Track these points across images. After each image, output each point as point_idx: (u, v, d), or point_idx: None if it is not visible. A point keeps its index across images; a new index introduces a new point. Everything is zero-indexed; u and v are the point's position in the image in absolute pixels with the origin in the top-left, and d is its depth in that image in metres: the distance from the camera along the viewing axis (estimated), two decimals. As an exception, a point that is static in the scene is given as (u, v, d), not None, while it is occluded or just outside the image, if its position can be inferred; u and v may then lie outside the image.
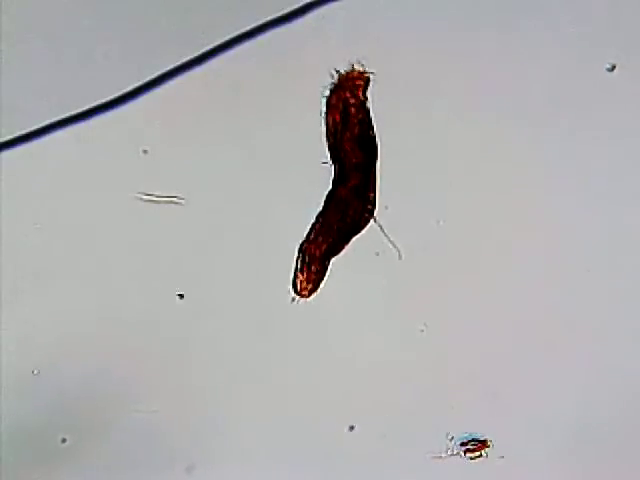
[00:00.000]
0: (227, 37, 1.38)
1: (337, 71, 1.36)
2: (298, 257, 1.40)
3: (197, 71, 1.38)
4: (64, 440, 1.45)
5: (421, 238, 1.43)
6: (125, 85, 1.38)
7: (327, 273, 1.41)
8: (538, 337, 1.45)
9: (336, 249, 1.41)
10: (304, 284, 1.40)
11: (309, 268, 1.40)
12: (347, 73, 1.36)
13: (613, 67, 1.40)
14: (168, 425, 1.46)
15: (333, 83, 1.36)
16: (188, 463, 1.47)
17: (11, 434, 1.43)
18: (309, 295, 1.41)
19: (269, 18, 1.38)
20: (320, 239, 1.40)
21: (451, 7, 1.40)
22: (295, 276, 1.40)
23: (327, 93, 1.37)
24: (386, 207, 1.39)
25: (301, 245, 1.40)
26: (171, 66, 1.38)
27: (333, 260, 1.41)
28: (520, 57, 1.41)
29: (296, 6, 1.38)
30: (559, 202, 1.44)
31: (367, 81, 1.36)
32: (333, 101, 1.37)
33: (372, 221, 1.40)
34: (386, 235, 1.37)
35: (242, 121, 1.40)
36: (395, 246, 1.37)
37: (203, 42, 1.38)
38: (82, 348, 1.43)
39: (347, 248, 1.42)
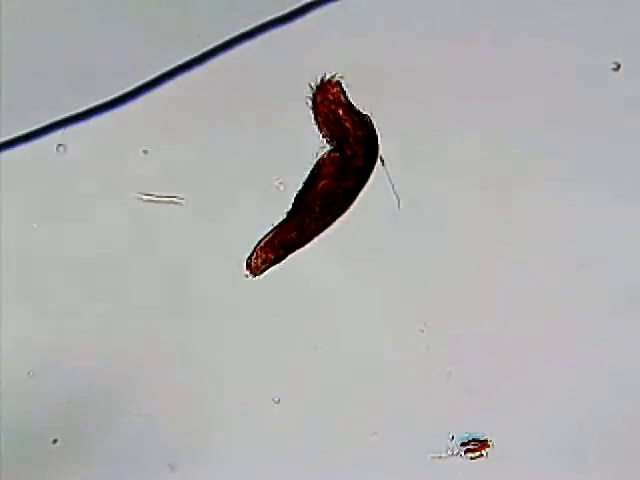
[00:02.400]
0: (227, 37, 1.38)
1: (310, 92, 1.36)
2: (265, 236, 1.40)
3: (197, 71, 1.38)
4: (55, 441, 1.45)
5: (421, 238, 1.43)
6: (125, 85, 1.38)
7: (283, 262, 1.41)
8: (538, 337, 1.45)
9: (299, 243, 1.41)
10: (259, 263, 1.40)
11: (272, 251, 1.40)
12: (319, 87, 1.36)
13: (618, 66, 1.40)
14: (162, 428, 1.46)
15: (312, 101, 1.36)
16: (172, 461, 1.47)
17: (8, 434, 1.43)
18: (257, 275, 1.41)
19: (269, 18, 1.38)
20: (293, 227, 1.40)
21: (451, 7, 1.40)
22: (255, 252, 1.40)
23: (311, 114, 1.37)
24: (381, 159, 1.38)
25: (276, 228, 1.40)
26: (171, 66, 1.38)
27: (334, 260, 1.41)
28: (523, 57, 1.41)
29: (296, 6, 1.38)
30: (561, 201, 1.44)
31: (340, 85, 1.36)
32: (321, 117, 1.37)
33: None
34: (391, 182, 1.36)
35: (242, 121, 1.40)
36: (397, 196, 1.37)
37: (203, 42, 1.38)
38: (79, 349, 1.43)
39: (347, 248, 1.42)
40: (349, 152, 1.37)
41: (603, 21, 1.41)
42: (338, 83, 1.35)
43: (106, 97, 1.38)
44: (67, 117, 1.38)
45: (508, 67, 1.41)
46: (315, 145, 1.38)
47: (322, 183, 1.39)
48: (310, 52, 1.38)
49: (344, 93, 1.36)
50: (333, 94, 1.35)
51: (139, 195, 1.41)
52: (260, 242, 1.40)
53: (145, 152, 1.41)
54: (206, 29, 1.38)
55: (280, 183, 1.41)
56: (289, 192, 1.41)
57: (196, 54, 1.38)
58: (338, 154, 1.37)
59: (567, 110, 1.42)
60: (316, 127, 1.37)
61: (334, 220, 1.40)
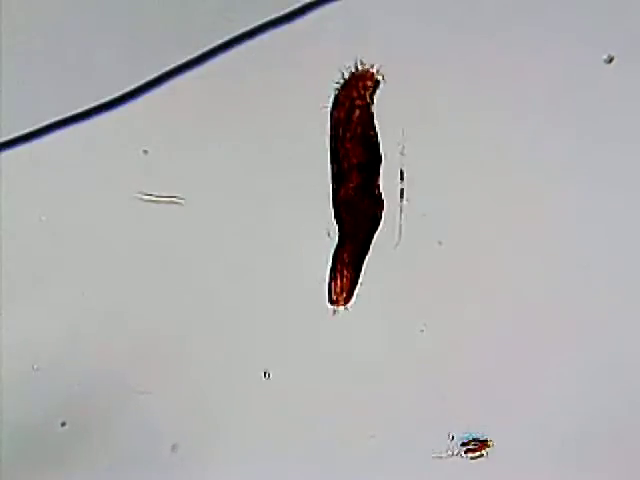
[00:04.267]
0: (227, 37, 1.38)
1: (350, 68, 1.36)
2: (332, 266, 1.41)
3: (197, 71, 1.38)
4: (63, 424, 1.45)
5: (421, 238, 1.43)
6: (125, 85, 1.38)
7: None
8: (538, 337, 1.45)
9: (363, 250, 1.40)
10: (338, 292, 1.40)
11: (342, 275, 1.40)
12: (359, 72, 1.36)
13: (611, 59, 1.39)
14: (162, 426, 1.46)
15: (343, 79, 1.36)
16: (172, 460, 1.48)
17: (11, 429, 1.43)
18: (345, 303, 1.41)
19: (269, 18, 1.38)
20: (347, 243, 1.40)
21: (451, 6, 1.40)
22: (329, 285, 1.40)
23: (335, 89, 1.37)
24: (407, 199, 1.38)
25: (334, 253, 1.41)
26: (171, 66, 1.38)
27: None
28: (520, 54, 1.41)
29: (296, 6, 1.38)
30: (558, 199, 1.44)
31: (377, 84, 1.36)
32: (340, 98, 1.37)
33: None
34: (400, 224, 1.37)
35: (242, 121, 1.40)
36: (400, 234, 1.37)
37: (203, 42, 1.38)
38: (81, 345, 1.43)
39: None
40: (342, 150, 1.37)
41: (596, 13, 1.40)
42: (377, 82, 1.35)
43: (106, 97, 1.38)
44: (67, 117, 1.38)
45: (509, 66, 1.41)
46: (315, 145, 1.38)
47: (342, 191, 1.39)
48: (310, 52, 1.38)
49: (374, 92, 1.36)
50: (366, 85, 1.35)
51: (139, 195, 1.41)
52: (330, 273, 1.40)
53: (145, 152, 1.41)
54: (206, 29, 1.38)
55: (280, 182, 1.41)
56: (289, 192, 1.41)
57: (196, 54, 1.38)
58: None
59: (559, 103, 1.41)
60: (323, 109, 1.37)
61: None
